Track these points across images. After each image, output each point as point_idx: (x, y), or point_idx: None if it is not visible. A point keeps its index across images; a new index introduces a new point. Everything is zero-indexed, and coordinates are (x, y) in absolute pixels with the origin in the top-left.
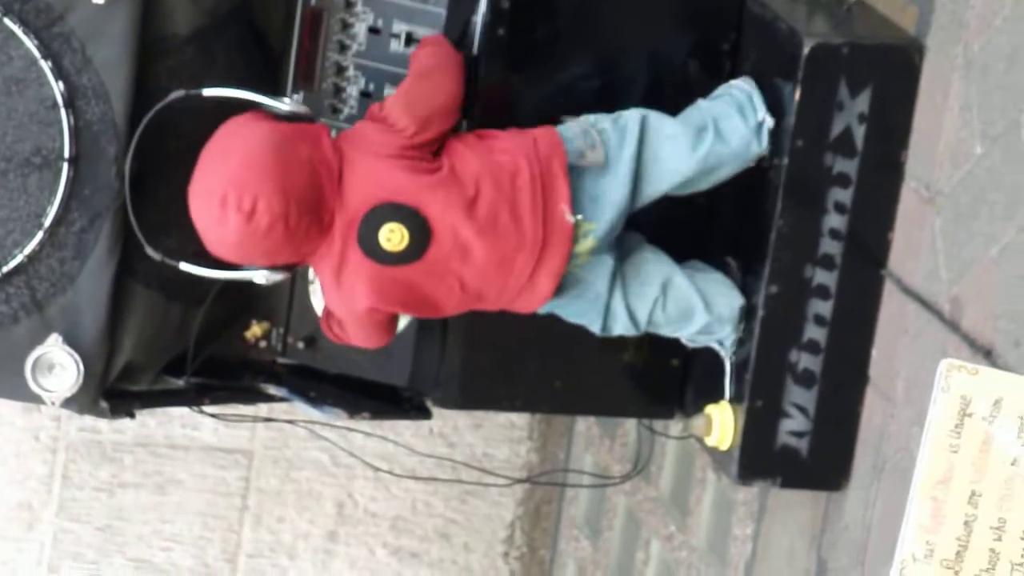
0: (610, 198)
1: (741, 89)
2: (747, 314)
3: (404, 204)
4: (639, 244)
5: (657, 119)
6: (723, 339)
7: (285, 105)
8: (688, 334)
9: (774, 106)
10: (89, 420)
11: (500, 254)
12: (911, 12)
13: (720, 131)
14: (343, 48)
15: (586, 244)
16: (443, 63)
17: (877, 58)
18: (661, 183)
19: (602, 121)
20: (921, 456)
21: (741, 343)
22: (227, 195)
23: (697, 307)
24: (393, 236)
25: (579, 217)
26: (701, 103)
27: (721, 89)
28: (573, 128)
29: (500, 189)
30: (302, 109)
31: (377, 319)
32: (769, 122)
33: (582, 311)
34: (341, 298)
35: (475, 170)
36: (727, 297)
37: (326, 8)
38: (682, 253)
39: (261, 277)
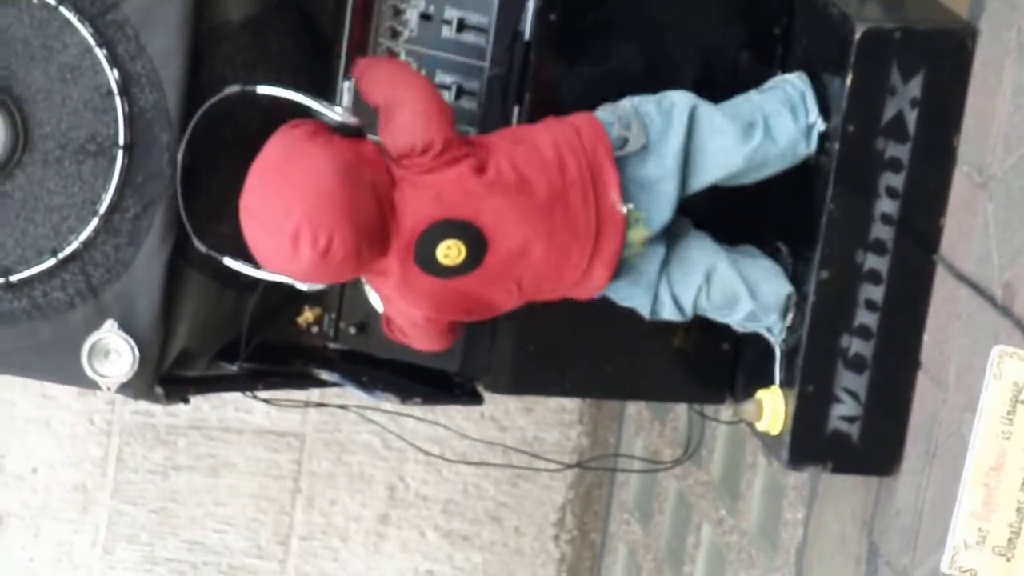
0: (659, 188)
1: (795, 86)
2: (797, 303)
3: (458, 219)
4: (686, 230)
5: (707, 110)
6: (771, 327)
7: (337, 115)
8: (734, 320)
9: (825, 105)
10: (143, 404)
11: (555, 252)
12: None
13: (770, 128)
14: (395, 34)
15: (638, 233)
16: (391, 81)
17: (929, 43)
18: (707, 175)
19: (645, 104)
20: (973, 442)
21: (792, 331)
22: (300, 232)
23: (741, 294)
24: (451, 252)
25: (630, 207)
26: (753, 95)
27: (774, 82)
28: (612, 114)
29: (551, 186)
30: (352, 120)
31: (438, 328)
32: (820, 125)
33: (633, 295)
34: (401, 310)
35: (522, 173)
36: (774, 284)
37: None
38: (732, 238)
39: (303, 284)
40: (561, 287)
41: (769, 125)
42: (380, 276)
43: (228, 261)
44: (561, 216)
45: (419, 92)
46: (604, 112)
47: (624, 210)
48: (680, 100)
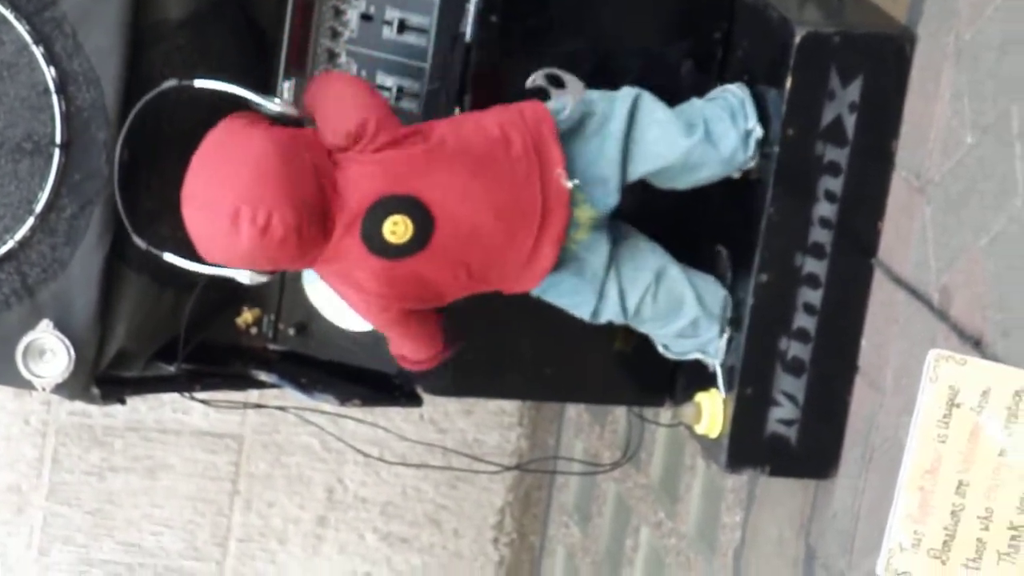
0: (602, 172)
1: (735, 94)
2: (732, 320)
3: (403, 194)
4: (632, 232)
5: (650, 101)
6: (707, 344)
7: (276, 106)
8: (672, 331)
9: (764, 113)
10: (79, 404)
11: (502, 228)
12: (902, 1)
13: (710, 132)
14: (335, 35)
15: (585, 211)
16: (316, 89)
17: (868, 47)
18: (644, 164)
19: (590, 93)
20: (909, 446)
21: (730, 343)
22: (239, 210)
23: (688, 299)
24: (397, 228)
25: (576, 182)
26: (695, 101)
27: (715, 92)
28: (556, 100)
29: (495, 162)
30: (291, 111)
31: (390, 317)
32: (758, 132)
33: (577, 289)
34: (353, 298)
35: (467, 148)
36: (716, 294)
37: None
38: (673, 242)
39: (245, 277)
40: (508, 269)
41: (710, 128)
42: (326, 263)
43: (168, 256)
44: (507, 191)
45: (346, 83)
46: (549, 102)
47: (570, 185)
48: (625, 90)
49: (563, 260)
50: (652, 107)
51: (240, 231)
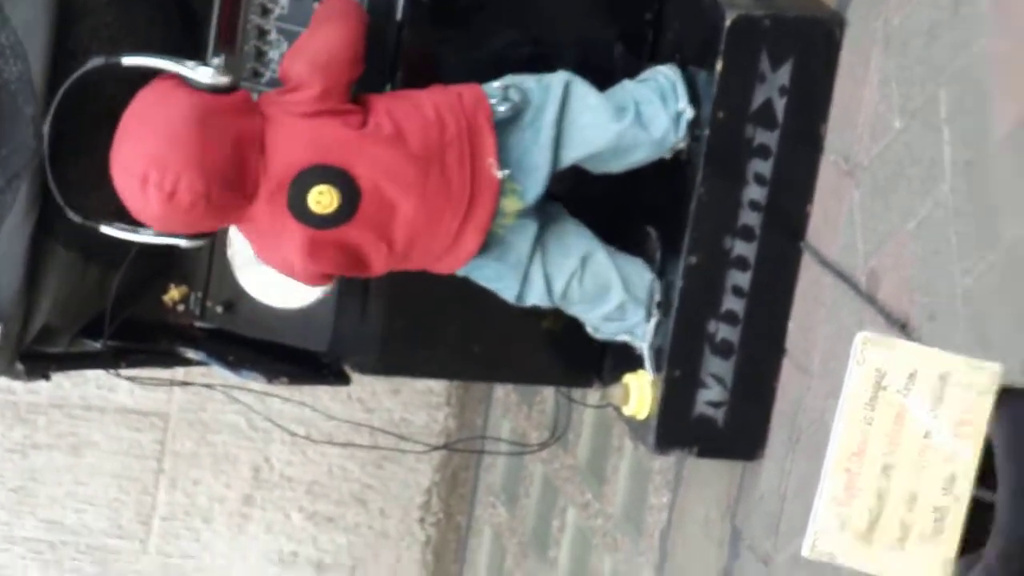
0: (534, 160)
1: (666, 76)
2: (660, 304)
3: (331, 165)
4: (561, 215)
5: (581, 86)
6: (634, 327)
7: (206, 76)
8: (600, 315)
9: (695, 94)
10: (3, 380)
11: (428, 210)
12: None
13: (640, 114)
14: (265, 11)
15: (512, 202)
16: (333, 14)
17: (798, 31)
18: (576, 151)
19: (527, 81)
20: (836, 428)
21: (658, 326)
22: (148, 174)
23: (614, 284)
24: (323, 199)
25: (507, 172)
26: (626, 83)
27: (647, 73)
28: (495, 85)
29: (427, 144)
30: (221, 81)
31: (312, 278)
32: (689, 113)
33: (500, 274)
34: (278, 258)
35: (400, 126)
36: (643, 279)
37: None
38: (603, 222)
39: (183, 241)
40: (432, 251)
41: (640, 111)
42: (250, 223)
43: (105, 228)
44: (436, 174)
45: (345, 35)
46: (487, 85)
47: (500, 175)
48: (557, 75)
49: (488, 244)
50: (583, 92)
51: (148, 195)
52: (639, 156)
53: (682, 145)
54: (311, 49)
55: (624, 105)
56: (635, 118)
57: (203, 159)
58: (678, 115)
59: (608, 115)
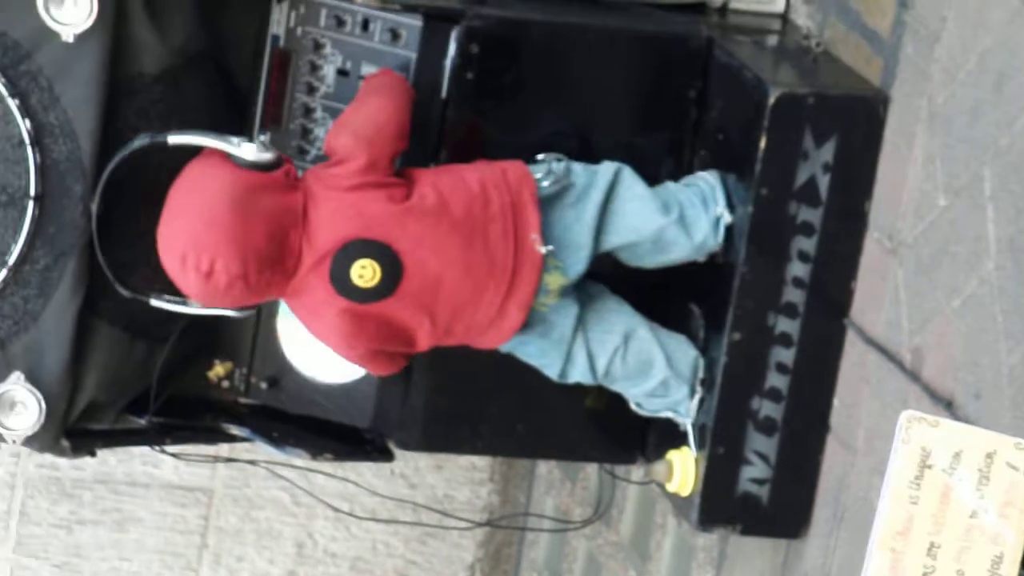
0: (577, 240)
1: (707, 182)
2: (704, 380)
3: (374, 240)
4: (603, 293)
5: (631, 175)
6: (678, 404)
7: (249, 154)
8: (643, 391)
9: (732, 201)
10: (48, 456)
11: (471, 284)
12: (876, 64)
13: (684, 216)
14: (311, 90)
15: (555, 279)
16: (380, 87)
17: (842, 108)
18: (618, 236)
19: (574, 165)
20: (881, 507)
21: (702, 403)
22: (186, 254)
23: (658, 360)
24: (365, 272)
25: (550, 248)
26: (669, 185)
27: (689, 179)
28: (541, 160)
29: (471, 217)
30: (265, 157)
31: (360, 354)
32: (727, 218)
33: (543, 352)
34: (321, 332)
35: (444, 198)
36: (687, 355)
37: (295, 49)
38: (645, 300)
39: (231, 312)
40: (475, 326)
41: (684, 213)
42: (296, 296)
43: (155, 301)
44: (480, 249)
45: (391, 108)
46: (532, 165)
47: (543, 251)
48: (606, 163)
49: (531, 321)
50: (632, 182)
51: (187, 275)
52: (675, 256)
53: (717, 249)
54: (357, 121)
55: (669, 203)
56: (679, 218)
57: (240, 240)
58: (717, 220)
59: (654, 207)
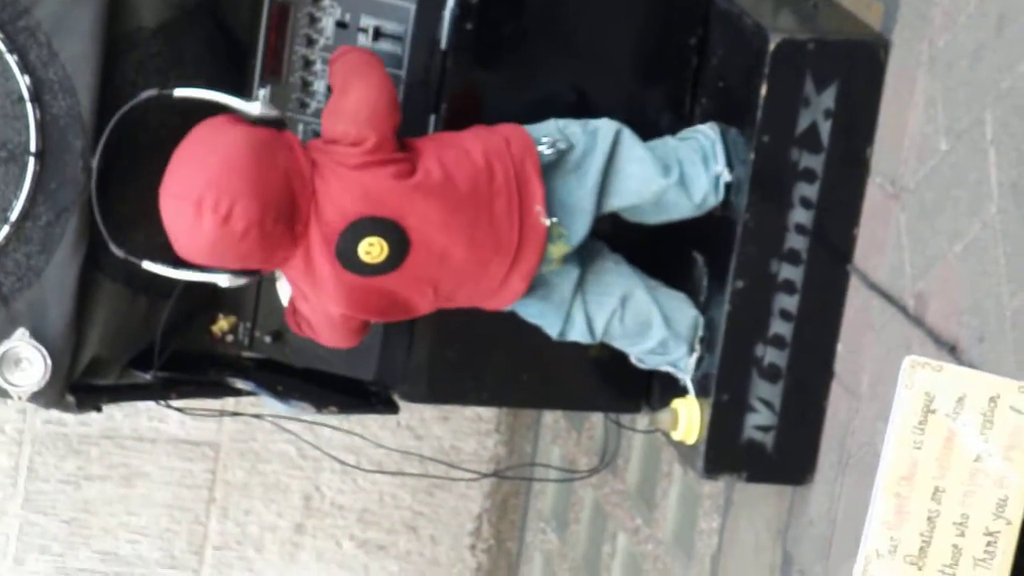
0: (580, 205)
1: (707, 136)
2: (703, 338)
3: (383, 217)
4: (602, 253)
5: (630, 137)
6: (677, 361)
7: (256, 109)
8: (642, 350)
9: (732, 153)
10: (55, 413)
11: (476, 258)
12: (876, 8)
13: (684, 175)
14: (310, 42)
15: (559, 248)
16: (354, 67)
17: (843, 54)
18: (619, 199)
19: (572, 125)
20: (885, 452)
21: (700, 362)
22: (203, 197)
23: (655, 321)
24: (373, 249)
25: (554, 220)
26: (669, 140)
27: (688, 132)
28: (539, 130)
29: (477, 194)
30: (272, 113)
31: (351, 325)
32: (727, 176)
33: (544, 312)
34: (314, 305)
35: (450, 174)
36: (686, 315)
37: (293, 2)
38: (647, 250)
39: (224, 280)
40: (477, 295)
41: (684, 172)
42: (295, 267)
43: (147, 264)
44: (485, 223)
45: (376, 84)
46: (533, 127)
47: (547, 223)
48: (605, 124)
49: (532, 285)
50: (631, 144)
51: (202, 219)
52: (676, 214)
53: (717, 204)
54: (349, 108)
55: (669, 164)
56: (679, 177)
57: (259, 185)
58: (716, 177)
59: (654, 170)
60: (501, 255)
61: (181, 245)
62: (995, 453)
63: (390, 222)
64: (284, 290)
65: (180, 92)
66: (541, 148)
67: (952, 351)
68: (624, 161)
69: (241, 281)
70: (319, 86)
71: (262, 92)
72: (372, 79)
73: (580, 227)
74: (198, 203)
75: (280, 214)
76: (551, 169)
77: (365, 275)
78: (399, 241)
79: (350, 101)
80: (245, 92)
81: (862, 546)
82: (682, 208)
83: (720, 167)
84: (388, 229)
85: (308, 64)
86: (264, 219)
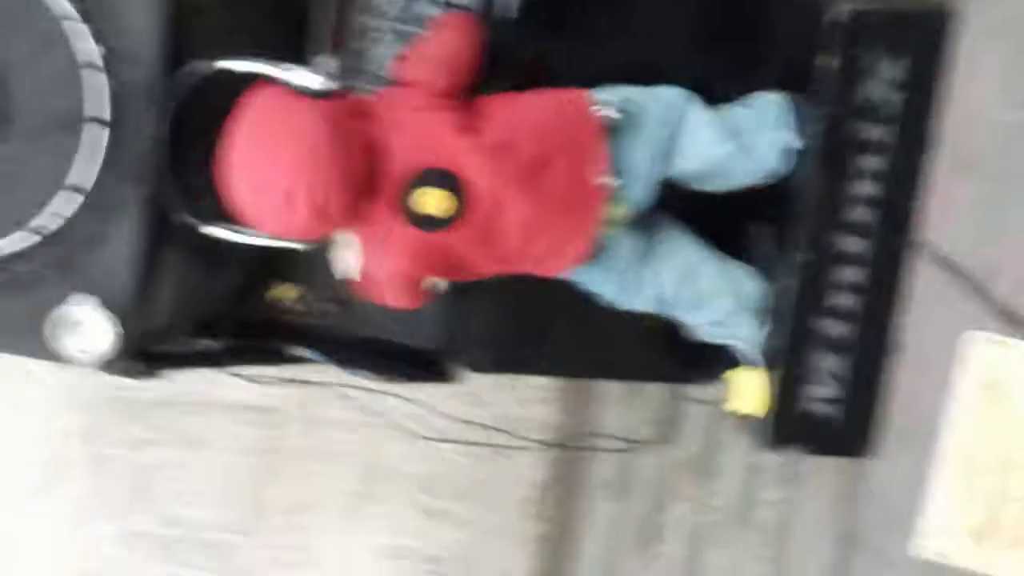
0: (642, 169)
1: (775, 104)
2: (772, 309)
3: (446, 170)
4: (668, 222)
5: (696, 104)
6: (742, 335)
7: (315, 83)
8: (708, 321)
9: (800, 121)
10: (119, 378)
11: (537, 216)
12: None
13: (748, 142)
14: (375, 11)
15: (620, 210)
16: (450, 23)
17: (912, 25)
18: (685, 164)
19: (638, 92)
20: (950, 427)
21: (767, 335)
22: (294, 190)
23: (722, 292)
24: (435, 202)
25: (615, 180)
26: (737, 108)
27: (754, 99)
28: (607, 93)
29: (539, 151)
30: (332, 85)
31: (415, 283)
32: (795, 143)
33: (607, 280)
34: (379, 260)
35: (513, 132)
36: (752, 287)
37: None
38: (714, 222)
39: (297, 244)
40: (541, 255)
41: (748, 139)
42: (365, 224)
43: (218, 231)
44: (546, 181)
45: (462, 40)
46: (599, 92)
47: (608, 183)
48: (672, 91)
49: (595, 251)
50: (697, 109)
51: (296, 211)
52: (739, 181)
53: (781, 172)
54: (430, 51)
55: (734, 129)
56: (743, 143)
57: (346, 171)
58: (784, 145)
59: (718, 136)
60: (562, 213)
61: (262, 227)
62: None
63: (454, 176)
64: (343, 260)
65: (224, 64)
66: (606, 111)
67: (1019, 324)
68: (690, 125)
69: (314, 245)
70: (385, 53)
71: (318, 60)
72: (460, 36)
73: (643, 190)
74: (288, 196)
75: (365, 188)
76: (615, 133)
77: (429, 229)
78: (462, 195)
79: (431, 46)
80: (306, 60)
81: (925, 520)
82: (746, 174)
83: (789, 134)
84: (451, 181)
85: (371, 32)
86: (356, 200)
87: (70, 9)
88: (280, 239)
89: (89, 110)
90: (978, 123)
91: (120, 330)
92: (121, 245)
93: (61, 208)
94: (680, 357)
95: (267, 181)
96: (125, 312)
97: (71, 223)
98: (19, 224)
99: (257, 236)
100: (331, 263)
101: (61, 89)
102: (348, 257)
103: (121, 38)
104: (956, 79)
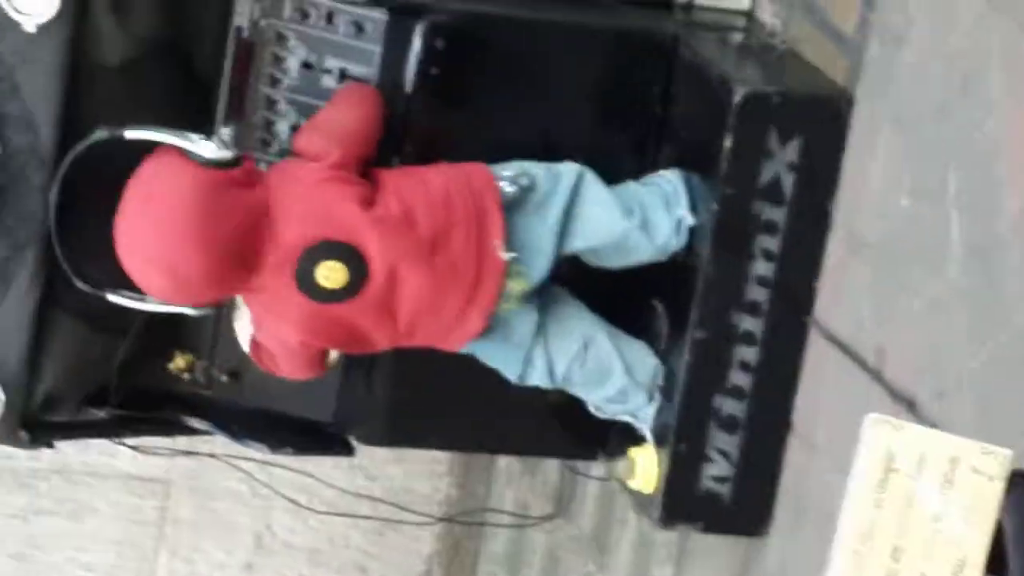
0: (540, 245)
1: (670, 182)
2: (663, 387)
3: (342, 242)
4: (564, 297)
5: (593, 180)
6: (636, 410)
7: (209, 152)
8: (602, 397)
9: (695, 198)
10: (5, 448)
11: (434, 290)
12: (842, 63)
13: (646, 220)
14: (275, 82)
15: (518, 284)
16: (352, 95)
17: (807, 108)
18: (581, 240)
19: (535, 167)
20: (845, 510)
21: (658, 412)
22: (152, 258)
23: (616, 368)
24: (331, 274)
25: (513, 255)
26: (631, 185)
27: (651, 178)
28: (503, 168)
29: (435, 224)
30: (224, 155)
31: (309, 353)
32: (689, 219)
33: (503, 355)
34: (272, 332)
35: (409, 206)
36: (646, 363)
37: (258, 41)
38: (608, 298)
39: (189, 310)
40: (436, 330)
41: (646, 216)
42: (254, 293)
43: (112, 296)
44: (443, 255)
45: (361, 113)
46: (497, 166)
47: (506, 257)
48: (570, 166)
49: (492, 325)
50: (594, 186)
51: (154, 278)
52: (638, 258)
53: (679, 249)
54: (328, 123)
55: (631, 207)
56: (641, 222)
57: (209, 239)
58: (679, 222)
59: (617, 212)
60: (459, 287)
61: (144, 289)
62: (955, 514)
63: (350, 247)
64: (243, 331)
65: (131, 133)
66: (503, 184)
67: (911, 407)
68: (586, 203)
69: (208, 311)
70: (282, 126)
71: (224, 131)
72: (361, 108)
73: (540, 266)
74: (147, 262)
75: (233, 258)
76: (513, 208)
77: (323, 301)
78: (358, 267)
79: (331, 117)
80: (209, 131)
81: None
82: (643, 252)
83: (683, 211)
84: (348, 253)
85: (272, 104)
86: (217, 269)
87: None
88: (169, 305)
89: None
90: (871, 207)
91: (5, 398)
92: (9, 312)
93: None
94: (577, 433)
95: (132, 245)
96: (11, 380)
97: None
98: None
99: (147, 302)
100: (237, 335)
101: None
102: (241, 326)
103: (14, 101)
104: (851, 163)
